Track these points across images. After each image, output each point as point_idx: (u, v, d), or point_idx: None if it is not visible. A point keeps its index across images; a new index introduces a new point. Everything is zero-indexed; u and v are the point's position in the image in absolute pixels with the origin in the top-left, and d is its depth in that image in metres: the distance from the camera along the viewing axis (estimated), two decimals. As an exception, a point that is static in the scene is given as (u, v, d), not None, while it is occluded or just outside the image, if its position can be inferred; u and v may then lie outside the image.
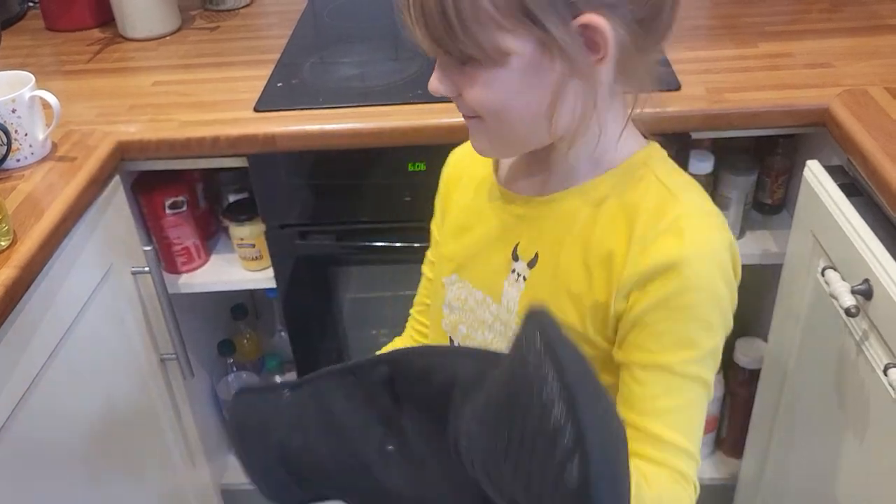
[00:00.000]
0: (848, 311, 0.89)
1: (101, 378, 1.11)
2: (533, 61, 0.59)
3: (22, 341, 0.91)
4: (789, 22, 1.32)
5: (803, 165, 1.06)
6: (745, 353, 1.41)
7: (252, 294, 1.65)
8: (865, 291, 0.89)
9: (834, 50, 1.21)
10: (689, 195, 0.67)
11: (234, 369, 1.50)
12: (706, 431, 1.52)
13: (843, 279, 0.93)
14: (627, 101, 0.66)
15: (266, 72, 1.26)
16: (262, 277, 1.29)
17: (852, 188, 1.01)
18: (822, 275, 0.97)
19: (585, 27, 0.57)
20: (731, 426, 1.51)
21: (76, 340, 1.03)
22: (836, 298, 0.91)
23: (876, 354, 0.88)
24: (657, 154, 0.69)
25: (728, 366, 1.45)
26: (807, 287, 1.07)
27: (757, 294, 1.45)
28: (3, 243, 0.90)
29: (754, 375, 1.36)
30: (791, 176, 1.28)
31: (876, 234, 0.91)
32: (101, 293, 1.10)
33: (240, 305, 1.55)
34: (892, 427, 0.87)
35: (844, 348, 0.96)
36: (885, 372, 0.83)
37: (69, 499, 1.03)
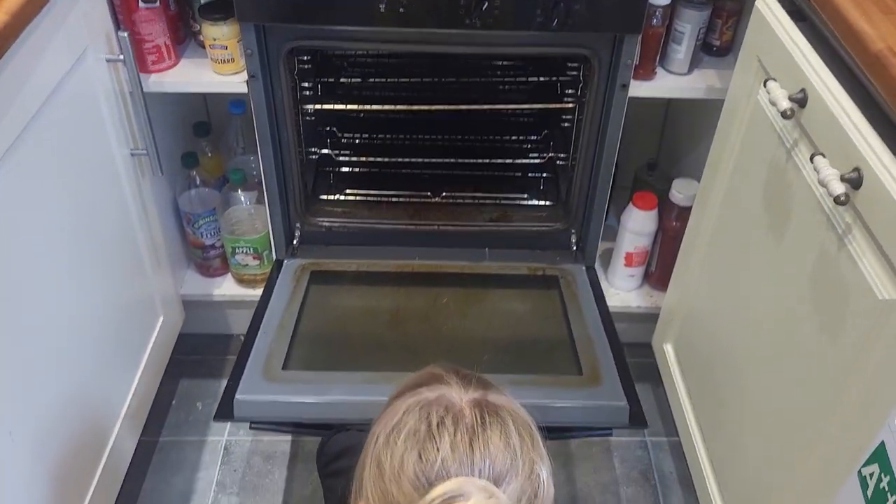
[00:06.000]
0: (784, 114, 0.99)
1: (73, 164, 1.13)
2: None
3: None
4: None
5: (751, 10, 1.14)
6: (681, 191, 1.53)
7: (209, 113, 1.68)
8: (801, 100, 0.99)
9: None
10: None
11: (198, 184, 1.53)
12: (637, 264, 1.65)
13: (782, 87, 1.03)
14: None
15: None
16: (233, 81, 1.32)
17: (797, 15, 1.10)
18: (765, 86, 1.07)
19: None
20: (660, 261, 1.64)
21: (47, 122, 1.03)
22: (774, 105, 1.02)
23: (806, 159, 0.99)
24: None
25: (663, 203, 1.57)
26: (747, 109, 1.17)
27: (694, 137, 1.56)
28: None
29: (685, 212, 1.48)
30: (739, 20, 1.37)
31: (815, 49, 1.01)
32: (75, 77, 1.11)
33: (202, 123, 1.58)
34: (818, 238, 0.95)
35: (776, 159, 1.07)
36: (811, 159, 0.94)
37: (43, 287, 1.05)
